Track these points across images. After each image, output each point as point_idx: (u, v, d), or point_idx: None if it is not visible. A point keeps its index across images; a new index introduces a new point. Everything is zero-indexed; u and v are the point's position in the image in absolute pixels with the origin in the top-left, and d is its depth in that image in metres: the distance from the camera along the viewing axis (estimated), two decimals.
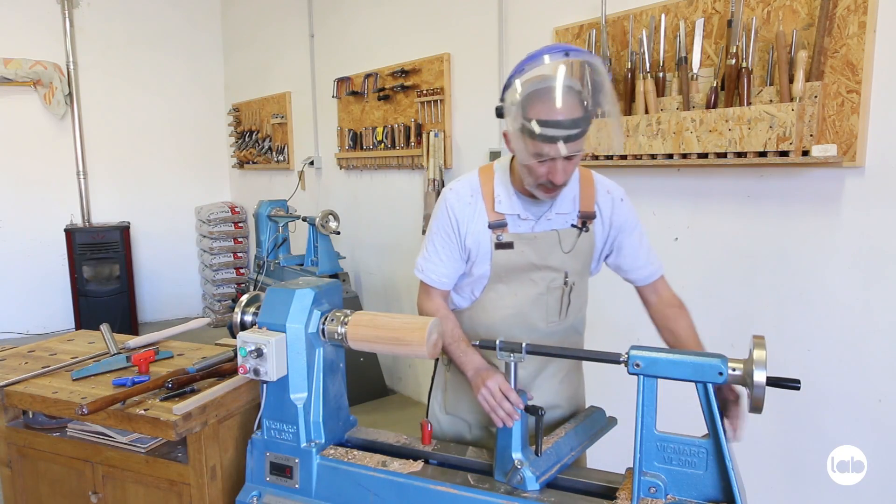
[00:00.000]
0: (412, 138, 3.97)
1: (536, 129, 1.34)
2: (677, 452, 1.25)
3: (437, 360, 1.81)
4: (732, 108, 2.17)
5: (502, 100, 1.44)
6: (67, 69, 5.63)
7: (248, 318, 1.62)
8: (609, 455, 1.76)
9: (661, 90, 2.47)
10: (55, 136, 5.71)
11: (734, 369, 1.19)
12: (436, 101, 3.77)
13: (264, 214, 4.76)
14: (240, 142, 6.13)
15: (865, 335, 2.10)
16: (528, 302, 1.61)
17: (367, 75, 4.31)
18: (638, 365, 1.23)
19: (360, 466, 1.48)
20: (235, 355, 1.58)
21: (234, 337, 1.58)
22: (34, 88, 5.55)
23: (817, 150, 1.99)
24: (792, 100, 2.05)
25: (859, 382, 2.13)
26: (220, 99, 6.48)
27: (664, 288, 1.70)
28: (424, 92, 3.83)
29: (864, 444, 1.92)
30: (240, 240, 6.16)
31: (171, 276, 6.34)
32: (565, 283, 1.61)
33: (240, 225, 6.15)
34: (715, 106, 2.26)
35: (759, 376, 1.15)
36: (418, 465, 1.48)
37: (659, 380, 1.24)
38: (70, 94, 5.65)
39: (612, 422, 1.67)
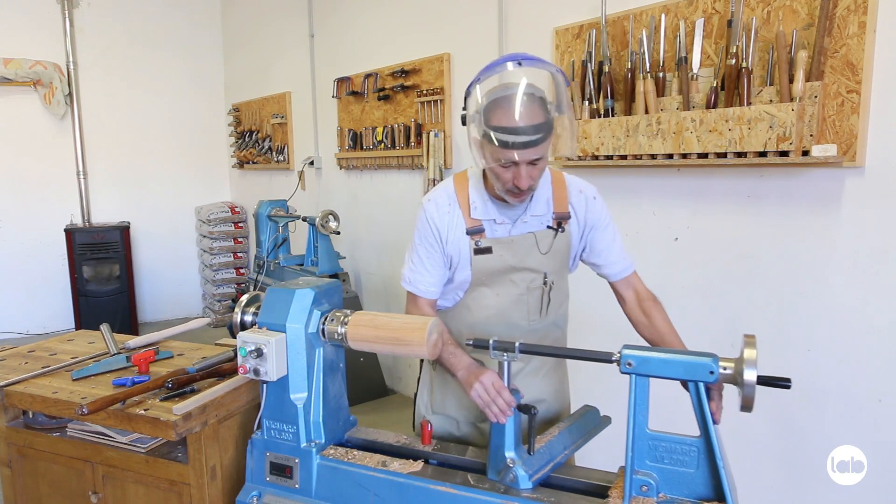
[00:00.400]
0: (412, 138, 3.97)
1: (496, 135, 1.40)
2: (669, 451, 1.26)
3: (421, 360, 1.83)
4: (732, 108, 2.17)
5: (464, 108, 1.50)
6: (67, 69, 5.63)
7: (248, 318, 1.62)
8: (603, 454, 1.77)
9: (661, 90, 2.47)
10: (55, 136, 5.71)
11: (725, 368, 1.21)
12: (436, 101, 3.77)
13: (264, 214, 4.76)
14: (240, 142, 6.13)
15: (865, 335, 2.10)
16: (509, 302, 1.64)
17: (367, 75, 4.31)
18: (630, 364, 1.25)
19: (360, 466, 1.48)
20: (235, 355, 1.58)
21: (234, 337, 1.58)
22: (34, 88, 5.55)
23: (817, 150, 1.99)
24: (792, 100, 2.05)
25: (859, 382, 2.13)
26: (220, 99, 6.48)
27: (638, 283, 1.74)
28: (424, 92, 3.83)
29: (864, 444, 1.92)
30: (240, 240, 6.16)
31: (171, 276, 6.34)
32: (545, 283, 1.64)
33: (240, 225, 6.15)
34: (715, 106, 2.26)
35: (750, 375, 1.16)
36: (418, 465, 1.48)
37: (652, 379, 1.25)
38: (70, 94, 5.65)
39: (606, 421, 1.69)
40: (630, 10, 2.60)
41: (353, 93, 4.49)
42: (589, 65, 2.68)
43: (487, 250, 1.60)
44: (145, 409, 1.64)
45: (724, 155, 2.22)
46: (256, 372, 1.45)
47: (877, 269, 2.06)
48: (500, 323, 1.64)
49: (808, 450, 2.27)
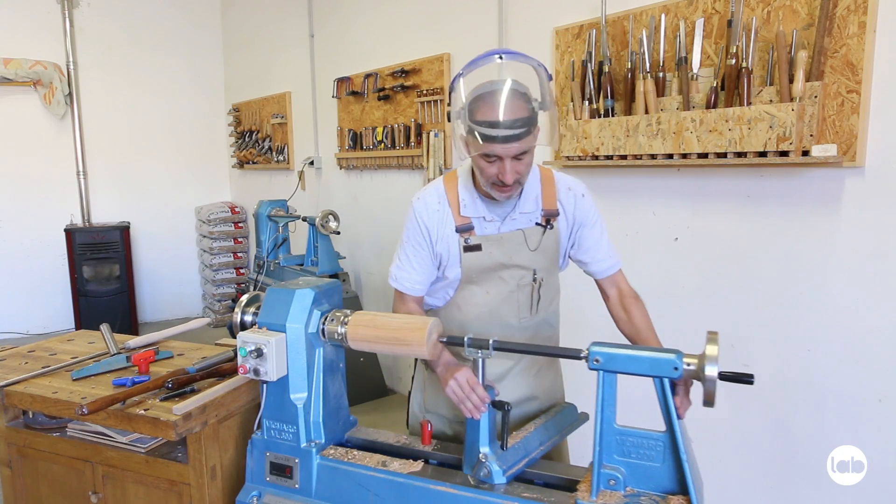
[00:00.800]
0: (412, 138, 3.97)
1: (479, 130, 1.42)
2: (636, 446, 1.29)
3: (416, 361, 1.85)
4: (732, 108, 2.17)
5: (449, 104, 1.52)
6: (67, 69, 5.63)
7: (248, 318, 1.62)
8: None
9: (661, 90, 2.47)
10: (55, 136, 5.71)
11: (689, 364, 1.23)
12: (436, 101, 3.77)
13: (264, 214, 4.76)
14: (240, 142, 6.13)
15: (865, 335, 2.10)
16: (499, 299, 1.65)
17: (367, 75, 4.30)
18: (597, 360, 1.27)
19: (360, 466, 1.48)
20: (235, 355, 1.58)
21: (234, 337, 1.59)
22: (34, 88, 5.55)
23: (817, 150, 1.99)
24: (792, 100, 2.05)
25: (859, 382, 2.13)
26: (220, 99, 6.48)
27: (622, 281, 1.75)
28: (424, 92, 3.83)
29: (864, 444, 1.93)
30: (240, 240, 6.16)
31: (171, 276, 6.34)
32: (534, 280, 1.65)
33: (240, 225, 6.15)
34: (715, 106, 2.26)
35: (711, 371, 1.19)
36: (418, 465, 1.48)
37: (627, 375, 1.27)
38: (70, 94, 5.65)
39: (584, 417, 1.72)
40: (630, 10, 2.60)
41: (353, 93, 4.49)
42: (589, 65, 2.68)
43: (477, 247, 1.61)
44: (145, 409, 1.64)
45: (724, 155, 2.22)
46: (256, 372, 1.45)
47: (877, 269, 2.06)
48: (491, 321, 1.66)
49: (808, 450, 2.27)
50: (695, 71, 2.36)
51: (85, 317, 5.46)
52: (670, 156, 2.39)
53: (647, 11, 2.54)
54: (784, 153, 2.06)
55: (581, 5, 2.82)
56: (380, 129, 4.26)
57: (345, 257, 4.55)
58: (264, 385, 1.52)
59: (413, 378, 1.89)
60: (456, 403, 1.44)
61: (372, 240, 4.59)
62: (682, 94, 2.38)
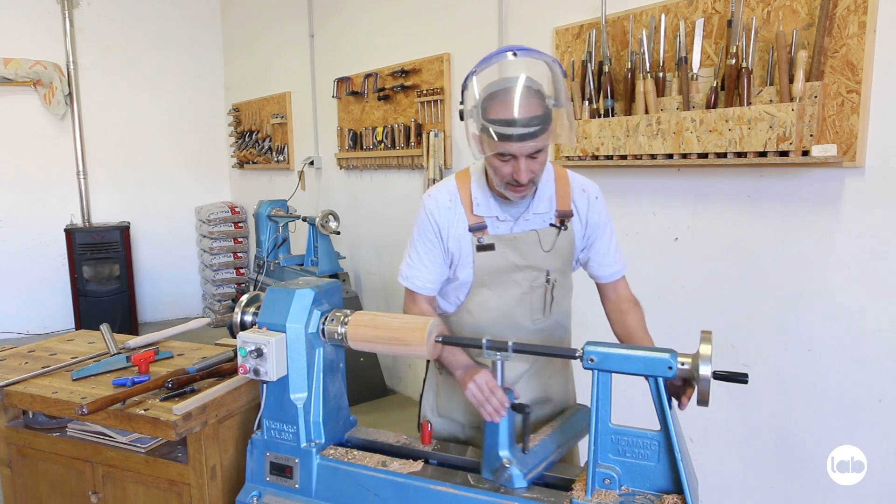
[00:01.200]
0: (412, 138, 3.97)
1: (493, 128, 1.38)
2: (631, 445, 1.29)
3: (427, 362, 1.82)
4: (732, 108, 2.17)
5: (462, 103, 1.49)
6: (67, 69, 5.64)
7: (248, 318, 1.62)
8: None
9: (661, 90, 2.47)
10: (55, 136, 5.71)
11: (683, 364, 1.23)
12: (436, 101, 3.77)
13: (264, 214, 4.76)
14: (240, 142, 6.13)
15: (865, 335, 2.10)
16: (512, 302, 1.63)
17: (367, 75, 4.31)
18: (592, 360, 1.27)
19: (360, 466, 1.48)
20: (235, 355, 1.58)
21: (234, 337, 1.58)
22: (34, 88, 5.55)
23: (817, 150, 1.99)
24: (792, 100, 2.05)
25: (859, 382, 2.13)
26: (220, 99, 6.48)
27: (624, 287, 1.74)
28: (424, 92, 3.83)
29: (864, 444, 1.93)
30: (240, 240, 6.16)
31: (171, 276, 6.34)
32: (547, 281, 1.63)
33: (240, 225, 6.15)
34: (715, 106, 2.26)
35: (705, 370, 1.20)
36: (418, 465, 1.48)
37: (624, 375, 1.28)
38: (70, 94, 5.65)
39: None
40: (630, 10, 2.60)
41: (353, 93, 4.49)
42: (589, 65, 2.68)
43: (490, 247, 1.58)
44: (145, 409, 1.64)
45: (724, 155, 2.22)
46: (256, 372, 1.45)
47: (877, 269, 2.06)
48: (504, 324, 1.63)
49: (808, 450, 2.27)
50: (695, 71, 2.36)
51: (85, 317, 5.46)
52: (670, 156, 2.39)
53: (647, 11, 2.54)
54: (784, 153, 2.06)
55: (581, 5, 2.82)
56: (380, 129, 4.26)
57: (345, 257, 4.55)
58: (264, 385, 1.52)
59: (424, 381, 1.85)
60: (476, 406, 1.42)
61: (372, 240, 4.59)
62: (682, 94, 2.38)
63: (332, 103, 4.76)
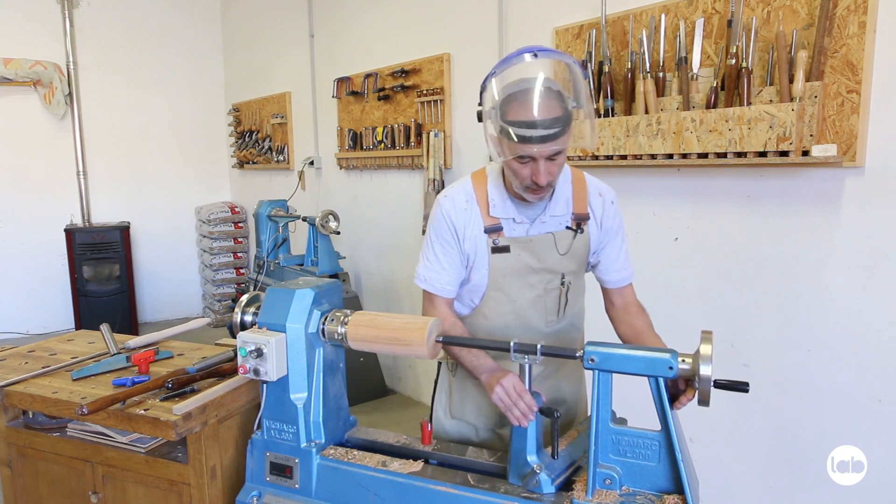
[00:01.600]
0: (412, 138, 3.97)
1: (513, 130, 1.36)
2: (632, 445, 1.29)
3: (439, 364, 1.81)
4: (732, 108, 2.17)
5: (480, 104, 1.47)
6: (67, 69, 5.63)
7: (248, 318, 1.62)
8: None
9: (661, 90, 2.47)
10: (55, 136, 5.71)
11: (683, 362, 1.23)
12: (436, 101, 3.77)
13: (264, 214, 4.76)
14: (240, 142, 6.13)
15: (865, 335, 2.10)
16: (526, 305, 1.61)
17: (367, 75, 4.31)
18: (593, 360, 1.27)
19: (360, 466, 1.48)
20: (235, 355, 1.58)
21: (234, 337, 1.58)
22: (34, 88, 5.55)
23: (817, 150, 1.99)
24: (792, 100, 2.05)
25: (859, 382, 2.13)
26: (220, 99, 6.48)
27: (630, 293, 1.72)
28: (424, 92, 3.83)
29: (864, 444, 1.93)
30: (240, 240, 6.16)
31: (171, 276, 6.34)
32: (562, 284, 1.61)
33: (240, 225, 6.15)
34: (715, 106, 2.26)
35: (705, 370, 1.20)
36: (418, 465, 1.48)
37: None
38: (70, 94, 5.65)
39: (622, 422, 1.68)
40: (630, 10, 2.60)
41: (353, 93, 4.49)
42: (589, 65, 2.68)
43: (505, 249, 1.57)
44: (145, 409, 1.64)
45: (724, 155, 2.22)
46: (256, 372, 1.45)
47: (877, 269, 2.06)
48: (518, 326, 1.61)
49: (808, 450, 2.27)
50: (695, 71, 2.36)
51: (85, 317, 5.46)
52: (670, 156, 2.39)
53: (647, 11, 2.54)
54: (784, 153, 2.06)
55: (581, 5, 2.82)
56: (380, 129, 4.26)
57: (345, 257, 4.55)
58: (264, 385, 1.52)
59: (436, 382, 1.83)
60: (503, 411, 1.40)
61: (372, 240, 4.59)
62: (682, 94, 2.38)
63: (332, 103, 4.76)
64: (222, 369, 1.83)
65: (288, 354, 1.49)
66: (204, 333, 4.71)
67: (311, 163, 5.08)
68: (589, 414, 1.81)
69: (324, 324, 1.51)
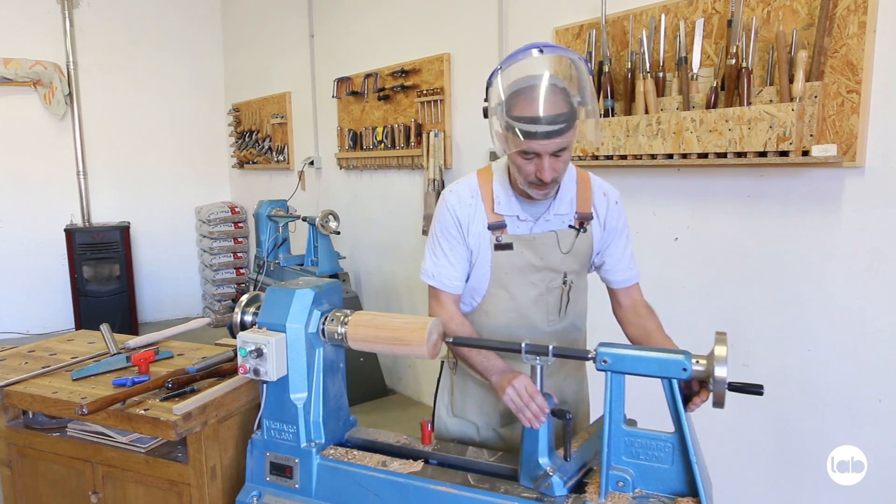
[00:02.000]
0: (412, 138, 3.97)
1: (518, 125, 1.37)
2: (644, 447, 1.28)
3: (442, 362, 1.81)
4: (732, 108, 2.17)
5: (486, 100, 1.47)
6: (67, 69, 5.63)
7: (248, 318, 1.62)
8: None
9: (661, 90, 2.47)
10: (55, 136, 5.71)
11: (697, 363, 1.22)
12: (436, 101, 3.77)
13: (264, 214, 4.76)
14: (240, 142, 6.13)
15: (865, 335, 2.10)
16: (528, 303, 1.61)
17: (367, 75, 4.31)
18: (605, 361, 1.26)
19: (360, 466, 1.47)
20: (235, 355, 1.58)
21: (234, 337, 1.58)
22: (34, 88, 5.55)
23: (817, 150, 1.99)
24: (792, 100, 2.05)
25: (859, 382, 2.13)
26: (220, 99, 6.48)
27: (637, 293, 1.72)
28: (424, 92, 3.83)
29: (864, 444, 1.93)
30: (240, 240, 6.16)
31: (171, 276, 6.34)
32: (564, 283, 1.62)
33: (240, 225, 6.15)
34: (715, 106, 2.26)
35: (720, 372, 1.18)
36: (418, 465, 1.48)
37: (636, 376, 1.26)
38: (70, 94, 5.65)
39: (632, 424, 1.68)
40: (630, 10, 2.60)
41: (353, 93, 4.49)
42: (589, 65, 2.68)
43: (508, 246, 1.57)
44: (145, 409, 1.64)
45: (724, 155, 2.22)
46: (256, 372, 1.45)
47: (877, 269, 2.06)
48: (519, 325, 1.61)
49: (808, 450, 2.27)
50: (695, 71, 2.36)
51: (85, 317, 5.46)
52: (670, 156, 2.39)
53: (647, 11, 2.54)
54: (784, 153, 2.06)
55: (581, 5, 2.82)
56: (380, 129, 4.26)
57: (345, 257, 4.55)
58: (264, 385, 1.52)
59: (438, 381, 1.82)
60: (514, 412, 1.39)
61: (372, 240, 4.59)
62: (682, 94, 2.38)
63: (332, 103, 4.76)
64: (222, 369, 1.83)
65: (288, 354, 1.49)
66: (204, 333, 4.71)
67: (311, 163, 5.08)
68: (590, 414, 1.81)
69: (324, 324, 1.51)
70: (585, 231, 1.61)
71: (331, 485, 1.49)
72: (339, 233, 4.23)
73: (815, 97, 2.04)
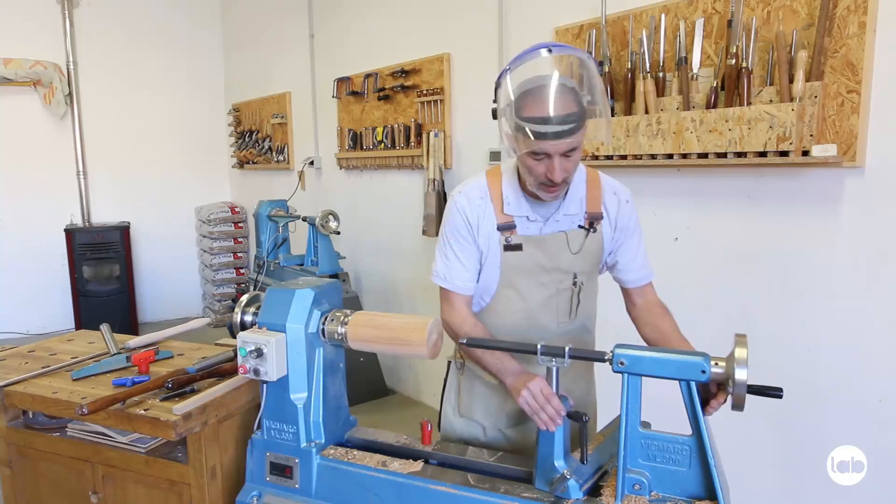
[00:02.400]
0: (412, 138, 3.97)
1: (528, 126, 1.35)
2: (661, 450, 1.26)
3: (449, 362, 1.80)
4: (732, 108, 2.17)
5: (495, 101, 1.46)
6: (67, 69, 5.63)
7: (248, 318, 1.62)
8: None
9: (661, 90, 2.47)
10: (55, 136, 5.71)
11: (717, 365, 1.21)
12: (436, 101, 3.77)
13: (264, 214, 4.76)
14: (240, 142, 6.13)
15: (865, 335, 2.10)
16: (538, 304, 1.60)
17: (367, 75, 4.31)
18: (622, 363, 1.25)
19: (360, 466, 1.47)
20: (235, 355, 1.58)
21: (234, 337, 1.58)
22: (34, 88, 5.55)
23: (817, 150, 1.99)
24: (792, 100, 2.05)
25: (859, 382, 2.13)
26: (220, 99, 6.48)
27: (651, 292, 1.70)
28: (424, 92, 3.83)
29: (864, 444, 1.92)
30: (240, 240, 6.16)
31: (171, 276, 6.34)
32: (574, 284, 1.60)
33: (240, 225, 6.15)
34: (715, 106, 2.26)
35: (741, 374, 1.17)
36: (418, 465, 1.48)
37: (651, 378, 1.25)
38: (70, 94, 5.65)
39: (647, 426, 1.68)
40: (630, 10, 2.60)
41: (353, 93, 4.49)
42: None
43: (518, 247, 1.56)
44: (145, 409, 1.64)
45: (724, 155, 2.22)
46: (256, 372, 1.45)
47: (877, 269, 2.06)
48: (529, 327, 1.60)
49: (808, 450, 2.27)
50: (695, 71, 2.36)
51: (85, 317, 5.46)
52: (670, 156, 2.39)
53: (647, 11, 2.54)
54: (784, 153, 2.06)
55: (581, 5, 2.82)
56: (380, 129, 4.26)
57: (345, 257, 4.55)
58: (264, 385, 1.52)
59: (445, 381, 1.81)
60: (529, 415, 1.38)
61: (372, 240, 4.59)
62: (682, 94, 2.38)
63: (332, 103, 4.76)
64: (222, 369, 1.83)
65: (288, 354, 1.49)
66: (204, 333, 4.70)
67: (311, 163, 5.08)
68: (597, 417, 1.80)
69: (324, 324, 1.51)
70: (595, 231, 1.60)
71: (331, 485, 1.49)
72: (339, 233, 4.23)
73: (815, 97, 2.04)
